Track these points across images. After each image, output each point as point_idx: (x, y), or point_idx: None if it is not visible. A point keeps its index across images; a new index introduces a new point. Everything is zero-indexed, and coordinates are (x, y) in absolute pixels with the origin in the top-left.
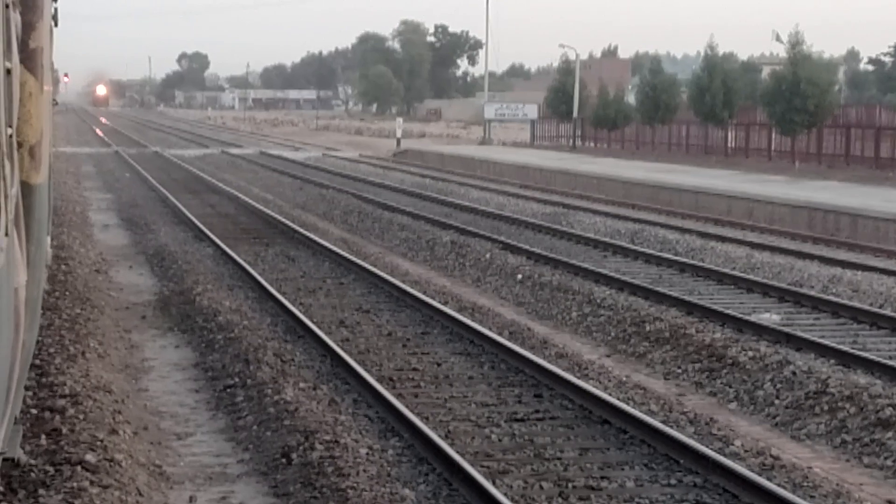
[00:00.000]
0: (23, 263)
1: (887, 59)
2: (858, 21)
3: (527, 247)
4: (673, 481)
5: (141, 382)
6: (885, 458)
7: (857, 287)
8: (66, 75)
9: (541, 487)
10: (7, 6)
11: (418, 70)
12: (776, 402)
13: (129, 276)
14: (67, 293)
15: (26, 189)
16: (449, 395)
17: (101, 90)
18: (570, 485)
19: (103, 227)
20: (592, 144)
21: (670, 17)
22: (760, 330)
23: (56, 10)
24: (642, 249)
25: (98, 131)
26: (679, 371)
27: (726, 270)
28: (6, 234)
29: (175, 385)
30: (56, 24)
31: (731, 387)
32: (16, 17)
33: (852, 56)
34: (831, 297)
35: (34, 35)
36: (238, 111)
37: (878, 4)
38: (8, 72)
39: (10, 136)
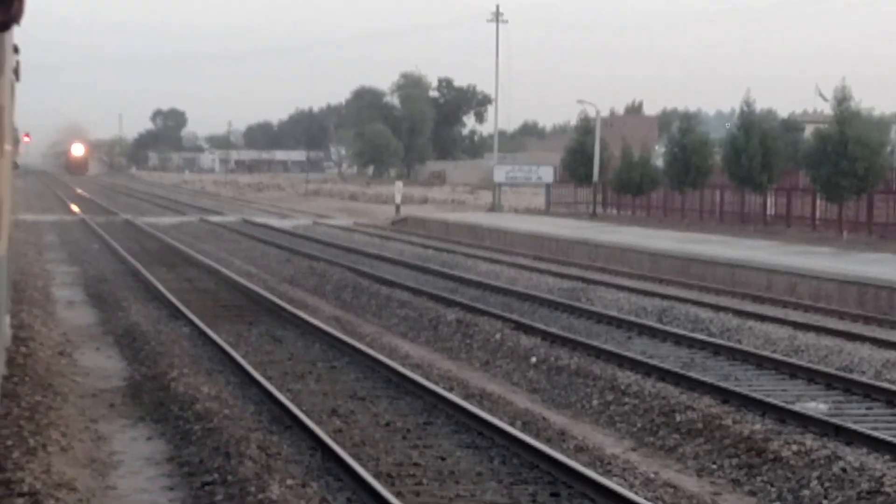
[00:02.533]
0: None
1: None
2: None
3: (542, 326)
4: None
5: (109, 479)
6: None
7: None
8: (27, 135)
9: None
10: None
11: (420, 128)
12: (824, 502)
13: (97, 359)
14: (28, 378)
15: None
16: (455, 494)
17: (78, 150)
18: None
19: (68, 303)
20: (615, 211)
21: (702, 70)
22: (806, 421)
23: (18, 63)
24: (671, 329)
25: (63, 197)
26: (714, 467)
27: (766, 353)
28: None
29: (147, 482)
30: (18, 79)
31: (772, 485)
32: None
33: None
34: (885, 384)
35: None
36: (219, 174)
37: None
38: None
39: None
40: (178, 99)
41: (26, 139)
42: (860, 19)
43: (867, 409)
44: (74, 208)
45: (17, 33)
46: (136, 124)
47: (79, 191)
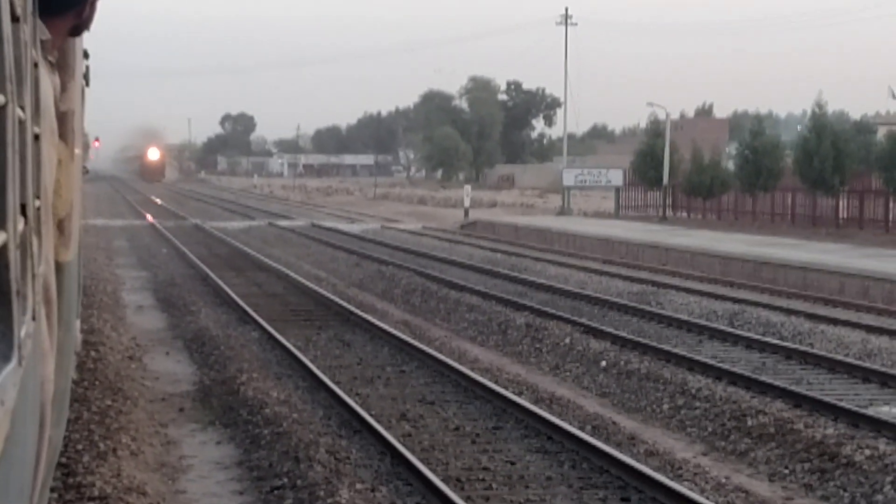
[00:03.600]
0: (51, 351)
1: None
2: None
3: (611, 330)
4: None
5: (179, 483)
6: None
7: None
8: (97, 140)
9: None
10: (35, 65)
11: (489, 132)
12: None
13: (166, 364)
14: (97, 383)
15: (55, 267)
16: (524, 499)
17: (154, 154)
18: None
19: (137, 308)
20: (685, 214)
21: (772, 72)
22: (879, 425)
23: (88, 68)
24: (742, 333)
25: (132, 202)
26: (786, 472)
27: (839, 357)
28: (33, 319)
29: (217, 486)
30: (87, 84)
31: (845, 490)
32: (54, 80)
33: None
34: None
35: (65, 97)
36: (287, 178)
37: None
38: (36, 137)
39: (38, 208)
40: (248, 104)
41: (96, 144)
42: None
43: None
44: (144, 213)
45: (88, 39)
46: (206, 129)
47: (148, 195)
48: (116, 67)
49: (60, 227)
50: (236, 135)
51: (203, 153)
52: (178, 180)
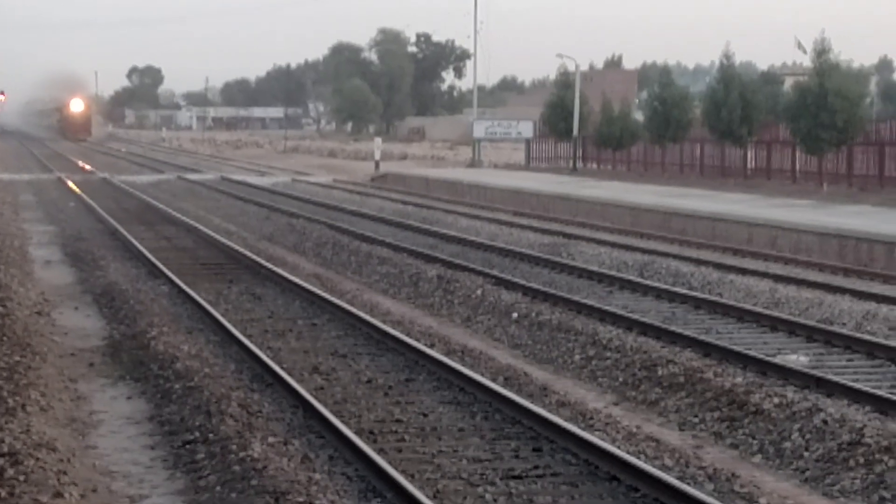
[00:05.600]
0: None
1: None
2: (892, 27)
3: (523, 282)
4: None
5: (89, 438)
6: None
7: (895, 324)
8: (1, 93)
9: None
10: None
11: (399, 84)
12: (805, 454)
13: (75, 319)
14: (5, 338)
15: None
16: (437, 450)
17: (78, 105)
18: None
19: (45, 263)
20: (595, 166)
21: (680, 23)
22: (787, 373)
23: None
24: (652, 283)
25: (38, 155)
26: (696, 420)
27: (747, 306)
28: None
29: (128, 441)
30: None
31: (754, 438)
32: None
33: (885, 65)
34: (866, 336)
35: None
36: (196, 131)
37: None
38: None
39: None
40: (155, 57)
41: (1, 98)
42: None
43: (848, 360)
44: (49, 166)
45: None
46: (112, 81)
47: (54, 148)
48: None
49: None
50: (144, 88)
51: (110, 106)
52: (108, 138)
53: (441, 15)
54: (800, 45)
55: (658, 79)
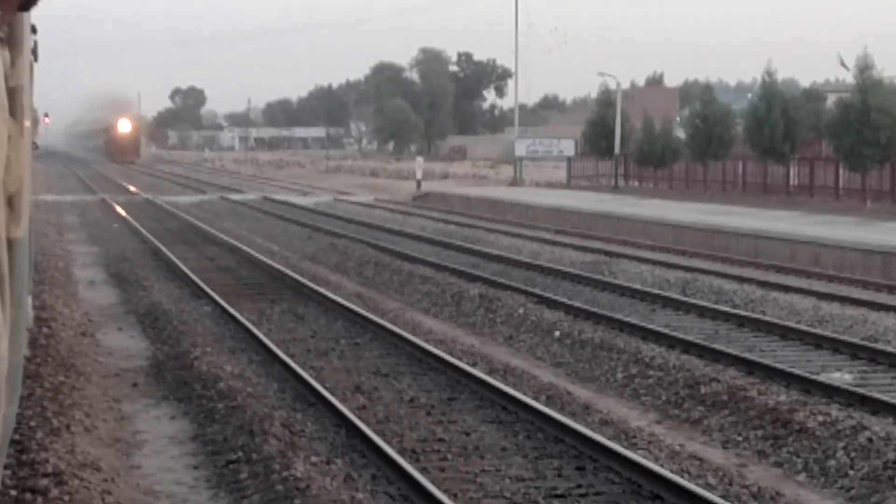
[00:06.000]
0: (3, 328)
1: None
2: None
3: (565, 300)
4: None
5: (133, 458)
6: None
7: None
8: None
9: None
10: None
11: (440, 103)
12: (850, 472)
13: (119, 339)
14: (50, 359)
15: (5, 244)
16: (480, 469)
17: (126, 126)
18: None
19: (89, 284)
20: (636, 184)
21: (722, 41)
22: (831, 391)
23: (36, 43)
24: (695, 301)
25: (82, 176)
26: (739, 439)
27: (791, 324)
28: None
29: (171, 461)
30: (36, 60)
31: (798, 456)
32: (3, 55)
33: None
34: None
35: (13, 72)
36: (238, 152)
37: None
38: None
39: None
40: (198, 78)
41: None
42: None
43: (893, 378)
44: (93, 188)
45: (36, 14)
46: (156, 103)
47: (98, 170)
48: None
49: (11, 203)
50: (186, 109)
51: (154, 127)
52: (152, 159)
53: (482, 33)
54: (842, 62)
55: (700, 96)
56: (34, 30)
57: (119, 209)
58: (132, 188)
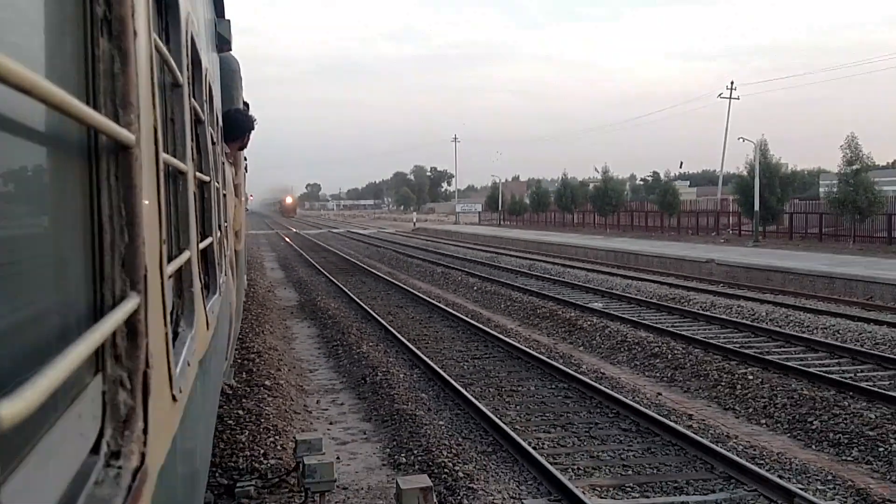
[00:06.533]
0: (235, 288)
1: None
2: None
3: (473, 271)
4: None
5: (291, 345)
6: None
7: None
8: (251, 195)
9: None
10: (223, 163)
11: (423, 189)
12: (603, 345)
13: (285, 293)
14: (254, 302)
15: (235, 252)
16: (443, 347)
17: (290, 199)
18: None
19: (270, 269)
20: (509, 223)
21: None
22: (594, 311)
23: (246, 161)
24: (504, 266)
25: (266, 223)
26: (554, 331)
27: (569, 280)
28: (226, 274)
29: (308, 345)
30: (246, 170)
31: (579, 340)
32: (232, 170)
33: None
34: None
35: (237, 176)
36: (336, 211)
37: None
38: (225, 196)
39: (225, 226)
40: (317, 177)
41: (251, 197)
42: None
43: (622, 303)
44: (271, 227)
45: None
46: (297, 189)
47: (275, 219)
48: (259, 158)
49: (237, 234)
50: (314, 190)
51: (300, 200)
52: (302, 215)
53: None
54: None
55: (535, 186)
56: (245, 157)
57: (282, 235)
58: (288, 228)
